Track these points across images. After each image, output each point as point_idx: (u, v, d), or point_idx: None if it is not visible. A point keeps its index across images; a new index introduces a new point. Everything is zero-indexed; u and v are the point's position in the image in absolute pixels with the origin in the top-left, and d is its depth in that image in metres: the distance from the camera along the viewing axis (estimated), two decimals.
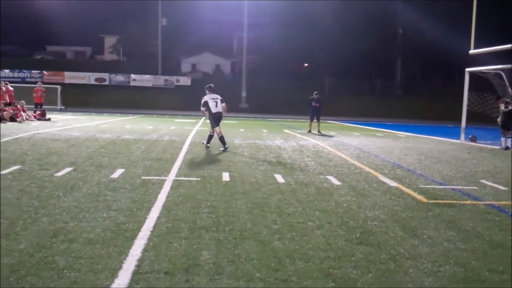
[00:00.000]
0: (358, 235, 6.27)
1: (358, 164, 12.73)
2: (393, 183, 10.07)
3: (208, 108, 15.18)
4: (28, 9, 74.40)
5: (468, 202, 8.64)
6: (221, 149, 14.86)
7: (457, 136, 23.32)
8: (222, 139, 15.16)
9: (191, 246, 5.53)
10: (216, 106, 15.21)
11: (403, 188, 9.57)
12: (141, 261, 5.00)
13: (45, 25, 78.94)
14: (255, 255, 5.34)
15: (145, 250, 5.32)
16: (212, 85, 15.95)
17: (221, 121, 15.52)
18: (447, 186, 10.04)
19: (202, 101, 15.30)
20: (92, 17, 79.10)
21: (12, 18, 75.63)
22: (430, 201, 8.51)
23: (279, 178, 10.12)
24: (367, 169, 11.90)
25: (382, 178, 10.71)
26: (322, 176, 10.60)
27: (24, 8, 74.15)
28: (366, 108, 53.97)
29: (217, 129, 15.31)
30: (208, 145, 15.54)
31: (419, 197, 8.83)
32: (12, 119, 23.52)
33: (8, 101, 25.63)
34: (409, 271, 5.07)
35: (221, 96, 15.43)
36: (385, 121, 43.55)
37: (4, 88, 25.99)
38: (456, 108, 50.01)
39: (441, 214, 7.60)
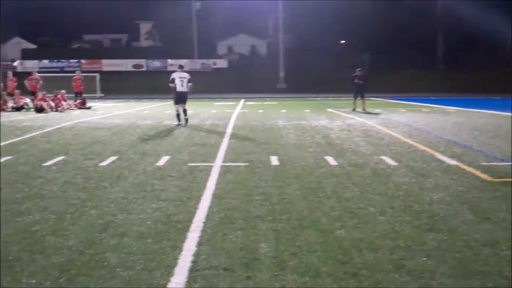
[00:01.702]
0: (425, 220, 5.78)
1: (411, 142, 12.13)
2: (452, 161, 9.48)
3: (174, 86, 16.39)
4: None
5: None
6: (174, 123, 16.44)
7: (508, 109, 22.34)
8: (178, 116, 16.60)
9: (248, 238, 5.14)
10: (182, 85, 16.39)
11: (464, 167, 8.99)
12: (196, 256, 4.65)
13: (81, 15, 79.65)
14: (318, 246, 4.93)
15: (200, 244, 4.97)
16: (183, 65, 17.85)
17: (184, 100, 16.62)
18: (510, 163, 9.39)
19: (171, 77, 16.56)
20: (127, 4, 79.25)
21: (48, 9, 76.51)
22: (496, 180, 7.92)
23: (331, 160, 9.64)
24: (422, 147, 11.31)
25: (440, 156, 10.12)
26: (375, 157, 10.08)
27: None
28: (408, 83, 52.74)
29: (175, 106, 16.73)
30: (179, 123, 16.50)
31: (483, 175, 8.24)
32: (39, 110, 23.40)
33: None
34: (489, 260, 4.58)
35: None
36: (429, 95, 42.39)
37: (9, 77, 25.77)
38: (501, 80, 48.71)
39: (511, 193, 7.03)
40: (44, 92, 25.12)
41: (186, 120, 16.60)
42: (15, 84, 26.08)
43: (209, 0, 66.95)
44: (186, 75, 16.52)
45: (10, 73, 27.11)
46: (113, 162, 9.51)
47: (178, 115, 16.62)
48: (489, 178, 8.02)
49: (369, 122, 17.68)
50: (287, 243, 5.01)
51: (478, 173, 8.44)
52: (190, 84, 16.51)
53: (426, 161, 9.55)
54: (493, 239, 5.15)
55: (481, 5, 52.55)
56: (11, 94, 25.75)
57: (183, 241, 5.03)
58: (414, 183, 7.69)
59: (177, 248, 4.84)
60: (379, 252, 4.79)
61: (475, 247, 4.93)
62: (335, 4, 58.69)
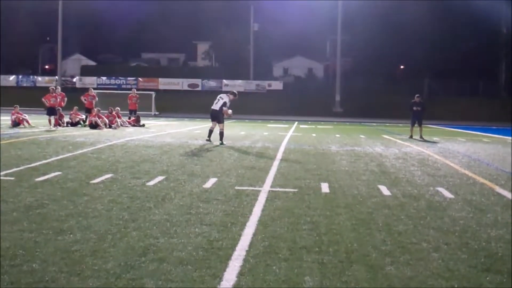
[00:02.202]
0: (483, 260, 5.37)
1: (470, 174, 11.57)
2: None
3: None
4: (123, 18, 77.12)
5: None
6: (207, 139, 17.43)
7: None
8: (210, 132, 17.58)
9: (291, 270, 4.88)
10: (215, 104, 17.34)
11: None
12: (237, 287, 4.42)
13: (140, 33, 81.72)
14: (365, 283, 4.62)
15: (240, 274, 4.74)
16: (235, 92, 18.29)
17: (216, 119, 17.40)
18: None
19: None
20: (185, 24, 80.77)
21: (109, 27, 78.84)
22: None
23: (384, 190, 9.25)
24: (481, 180, 10.76)
25: (500, 190, 9.58)
26: (431, 188, 9.62)
27: (120, 17, 76.90)
28: (468, 111, 51.35)
29: (212, 124, 17.63)
30: (208, 139, 17.50)
31: None
32: (93, 126, 23.69)
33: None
34: None
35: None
36: (489, 125, 41.04)
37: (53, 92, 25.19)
38: None
39: None
40: (98, 108, 25.60)
41: (221, 143, 16.97)
42: (65, 99, 26.10)
43: (266, 21, 67.38)
44: (225, 97, 17.42)
45: (56, 89, 26.79)
46: (160, 182, 9.42)
47: (210, 131, 17.56)
48: None
49: (426, 150, 17.09)
50: (333, 278, 4.72)
51: None
52: (224, 107, 17.15)
53: (485, 195, 9.04)
54: None
55: None
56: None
57: (224, 270, 4.82)
58: (472, 218, 7.24)
59: (217, 277, 4.63)
60: None
61: None
62: (395, 27, 57.93)
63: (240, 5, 67.02)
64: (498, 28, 61.64)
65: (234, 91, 17.95)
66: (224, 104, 17.16)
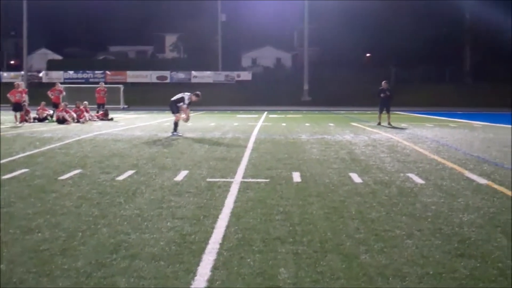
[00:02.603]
0: (456, 245, 5.40)
1: (439, 159, 11.69)
2: (482, 180, 9.05)
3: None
4: (89, 11, 76.00)
5: None
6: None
7: None
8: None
9: (266, 262, 4.83)
10: (175, 97, 17.61)
11: (495, 186, 8.55)
12: (211, 282, 4.36)
13: (107, 26, 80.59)
14: (341, 272, 4.59)
15: (215, 268, 4.66)
16: (199, 93, 17.98)
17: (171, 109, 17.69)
18: None
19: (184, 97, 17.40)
20: (153, 17, 80.00)
21: (75, 20, 77.61)
22: None
23: (355, 178, 9.27)
24: (450, 165, 10.88)
25: (469, 174, 9.69)
26: (402, 174, 9.68)
27: (86, 10, 75.78)
28: (434, 97, 52.10)
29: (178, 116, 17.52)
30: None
31: None
32: (60, 121, 23.32)
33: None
34: None
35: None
36: (456, 110, 41.71)
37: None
38: None
39: None
40: (65, 103, 25.15)
41: (172, 134, 17.39)
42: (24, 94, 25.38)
43: (234, 11, 67.08)
44: (186, 95, 17.40)
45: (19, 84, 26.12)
46: (130, 176, 9.27)
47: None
48: None
49: (395, 137, 17.23)
50: (308, 268, 4.68)
51: (510, 193, 8.00)
52: (181, 104, 17.25)
53: (455, 180, 9.13)
54: None
55: (510, 17, 51.66)
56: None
57: (198, 265, 4.74)
58: (443, 204, 7.30)
59: (191, 273, 4.55)
60: (407, 280, 4.45)
61: (511, 276, 4.54)
62: (361, 17, 58.33)
63: None
64: (462, 14, 62.51)
65: (198, 93, 17.82)
66: (182, 100, 17.20)
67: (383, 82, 24.24)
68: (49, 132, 18.72)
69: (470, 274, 4.59)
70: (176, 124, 17.40)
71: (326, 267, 4.73)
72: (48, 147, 13.74)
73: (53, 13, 73.99)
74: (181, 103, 17.21)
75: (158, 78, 62.01)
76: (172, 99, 17.59)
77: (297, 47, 74.16)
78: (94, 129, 20.31)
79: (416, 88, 55.26)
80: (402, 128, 21.49)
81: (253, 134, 18.26)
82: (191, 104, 17.56)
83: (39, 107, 25.95)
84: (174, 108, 17.34)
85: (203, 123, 24.27)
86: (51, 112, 25.98)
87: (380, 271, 4.64)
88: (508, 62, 62.85)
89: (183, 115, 17.40)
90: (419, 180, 9.06)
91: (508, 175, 9.69)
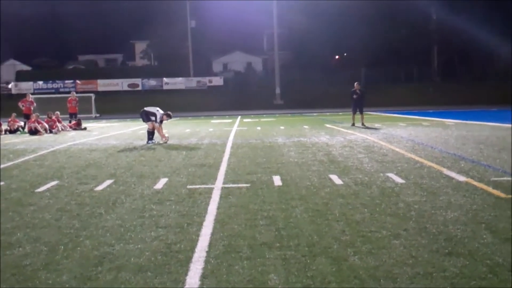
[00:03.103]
0: (443, 244, 5.41)
1: (417, 158, 11.77)
2: (461, 178, 9.12)
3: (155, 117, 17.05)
4: (57, 20, 75.05)
5: None
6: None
7: (508, 120, 22.06)
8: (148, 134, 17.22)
9: (255, 269, 4.76)
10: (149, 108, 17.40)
11: (475, 183, 8.62)
12: None
13: (75, 35, 79.68)
14: (332, 276, 4.55)
15: (203, 277, 4.58)
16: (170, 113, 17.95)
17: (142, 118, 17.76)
18: None
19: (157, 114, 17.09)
20: (121, 24, 79.43)
21: (43, 30, 76.57)
22: (510, 196, 7.55)
23: (336, 179, 9.26)
24: (428, 163, 10.95)
25: (447, 172, 9.77)
26: (381, 174, 9.71)
27: (54, 20, 74.81)
28: (405, 96, 52.65)
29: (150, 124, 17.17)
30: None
31: (496, 192, 7.88)
32: (33, 132, 22.94)
33: None
34: None
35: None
36: (427, 108, 42.22)
37: None
38: (499, 91, 48.63)
39: None
40: (37, 114, 24.73)
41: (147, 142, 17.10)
42: None
43: (203, 18, 66.99)
44: (158, 113, 17.09)
45: None
46: (108, 186, 9.10)
47: (148, 133, 17.29)
48: (502, 195, 7.67)
49: (370, 137, 17.33)
50: (298, 273, 4.63)
51: (490, 189, 8.08)
52: (152, 121, 16.98)
53: (435, 178, 9.19)
54: None
55: (476, 17, 52.66)
56: None
57: (186, 274, 4.65)
58: (426, 202, 7.33)
59: (179, 283, 4.47)
60: (398, 281, 4.43)
61: (500, 273, 4.57)
62: (330, 20, 58.81)
63: (176, 3, 66.30)
64: (429, 14, 63.47)
65: (169, 113, 17.72)
66: (154, 115, 16.93)
67: (355, 84, 24.39)
68: (22, 143, 18.35)
69: (460, 272, 4.59)
70: (149, 133, 17.12)
71: (316, 271, 4.68)
72: (22, 159, 13.45)
73: (20, 23, 72.92)
74: (153, 118, 16.93)
75: (129, 85, 61.47)
76: (145, 109, 17.39)
77: (267, 51, 74.37)
78: (68, 139, 19.96)
79: (386, 88, 55.83)
80: (376, 128, 21.63)
81: (229, 139, 18.18)
82: (162, 123, 17.30)
83: (9, 119, 25.46)
84: (145, 117, 17.15)
85: (178, 130, 24.08)
86: (22, 123, 25.53)
87: (371, 273, 4.62)
88: (474, 60, 64.12)
89: (163, 138, 17.06)
90: (399, 180, 9.09)
91: (484, 171, 9.79)
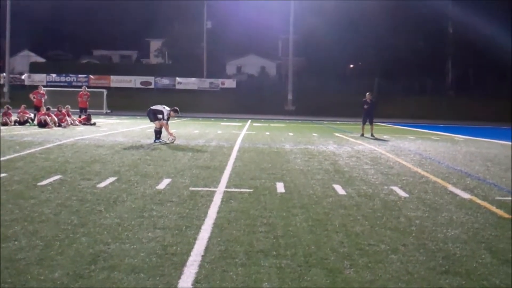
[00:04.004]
0: (441, 261, 5.35)
1: (423, 173, 11.69)
2: (465, 195, 9.04)
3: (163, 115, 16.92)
4: (74, 14, 75.46)
5: None
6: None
7: None
8: (155, 133, 17.20)
9: (249, 276, 4.73)
10: (155, 107, 17.29)
11: (478, 201, 8.55)
12: None
13: (91, 30, 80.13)
14: None
15: (196, 281, 4.55)
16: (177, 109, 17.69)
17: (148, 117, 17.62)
18: None
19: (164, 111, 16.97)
20: (138, 21, 79.78)
21: (59, 23, 77.05)
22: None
23: (339, 189, 9.21)
24: (434, 178, 10.87)
25: (452, 188, 9.69)
26: (386, 187, 9.64)
27: (71, 13, 75.22)
28: (417, 109, 52.42)
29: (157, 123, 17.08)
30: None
31: (499, 211, 7.81)
32: (42, 125, 23.02)
33: None
34: None
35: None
36: (438, 122, 42.03)
37: None
38: (511, 109, 48.28)
39: None
40: (48, 107, 24.83)
41: (154, 141, 17.03)
42: None
43: (220, 19, 67.14)
44: (165, 110, 16.96)
45: None
46: (111, 183, 9.10)
47: (155, 132, 17.25)
48: (505, 215, 7.60)
49: (378, 149, 17.25)
50: (292, 283, 4.60)
51: (493, 208, 8.00)
52: (160, 119, 16.85)
53: (439, 194, 9.12)
54: None
55: (493, 32, 52.36)
56: None
57: (179, 278, 4.62)
58: (427, 218, 7.26)
59: (172, 286, 4.43)
60: None
61: None
62: (346, 28, 58.74)
63: (193, 3, 66.56)
64: (445, 28, 63.24)
65: (176, 108, 17.49)
66: (161, 113, 16.83)
67: (367, 94, 24.27)
68: (29, 136, 18.43)
69: None
70: (157, 132, 17.09)
71: (310, 282, 4.64)
72: (28, 151, 13.49)
73: (37, 15, 73.40)
74: (160, 116, 16.83)
75: (142, 83, 61.72)
76: (152, 107, 17.35)
77: (281, 56, 74.39)
78: (76, 134, 20.04)
79: (398, 100, 55.62)
80: (384, 140, 21.54)
81: (237, 142, 18.17)
82: (169, 119, 17.22)
83: (19, 110, 25.60)
84: (152, 116, 17.07)
85: (187, 130, 24.11)
86: (32, 115, 25.64)
87: (365, 287, 4.57)
88: (490, 75, 63.73)
89: (171, 137, 16.98)
90: (403, 193, 9.03)
91: (489, 189, 9.71)
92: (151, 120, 17.31)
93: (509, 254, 5.66)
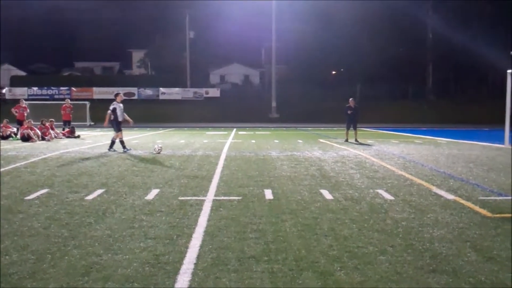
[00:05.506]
0: (428, 261, 5.48)
1: (407, 175, 11.85)
2: (450, 196, 9.21)
3: (115, 116, 17.43)
4: (55, 26, 75.11)
5: None
6: (124, 150, 17.36)
7: (499, 140, 22.19)
8: (122, 143, 17.74)
9: (242, 281, 4.81)
10: (121, 115, 17.66)
11: (462, 201, 8.71)
12: None
13: (73, 42, 79.80)
14: None
15: None
16: (121, 93, 18.58)
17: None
18: (508, 197, 9.15)
19: (112, 107, 17.47)
20: (120, 32, 79.65)
21: (41, 36, 76.65)
22: (496, 216, 7.65)
23: (326, 194, 9.33)
24: (418, 181, 11.04)
25: (436, 190, 9.85)
26: (371, 190, 9.78)
27: (52, 26, 74.86)
28: (399, 113, 52.88)
29: (120, 134, 17.76)
30: (113, 149, 17.62)
31: (482, 211, 7.96)
32: (25, 139, 22.91)
33: None
34: None
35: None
36: (420, 126, 42.39)
37: None
38: (491, 111, 48.87)
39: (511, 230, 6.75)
40: (30, 120, 24.70)
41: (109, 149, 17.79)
42: None
43: (202, 29, 67.25)
44: (112, 104, 17.60)
45: None
46: (99, 195, 9.13)
47: (123, 142, 17.87)
48: (488, 214, 7.76)
49: (363, 153, 17.41)
50: (285, 287, 4.67)
51: (477, 208, 8.17)
52: (124, 114, 17.82)
53: (423, 196, 9.27)
54: (500, 281, 4.90)
55: (473, 37, 53.11)
56: None
57: (173, 286, 4.69)
58: (413, 219, 7.39)
59: None
60: None
61: None
62: (328, 35, 59.17)
63: (175, 13, 66.60)
64: (425, 33, 63.96)
65: (116, 92, 18.28)
66: (113, 110, 17.38)
67: (350, 100, 24.46)
68: (13, 150, 18.32)
69: None
70: (118, 142, 17.69)
71: (302, 285, 4.73)
72: (13, 165, 13.44)
73: (18, 28, 72.96)
74: (117, 113, 17.33)
75: (125, 94, 61.04)
76: (122, 119, 17.70)
77: (264, 64, 74.67)
78: (60, 147, 19.96)
79: (380, 105, 56.05)
80: (369, 145, 21.73)
81: (224, 151, 18.23)
82: (120, 109, 17.57)
83: (2, 125, 25.41)
84: (114, 124, 17.58)
85: (172, 140, 24.11)
86: (15, 129, 25.47)
87: None
88: (469, 79, 64.56)
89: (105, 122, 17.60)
90: (389, 196, 9.17)
91: (473, 190, 9.88)
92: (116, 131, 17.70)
93: (493, 252, 5.80)
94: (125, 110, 18.03)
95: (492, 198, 9.10)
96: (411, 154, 17.25)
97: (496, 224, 7.10)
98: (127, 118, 17.87)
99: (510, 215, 7.72)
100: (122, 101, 17.88)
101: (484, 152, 18.31)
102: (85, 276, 4.90)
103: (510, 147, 20.22)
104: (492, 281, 4.88)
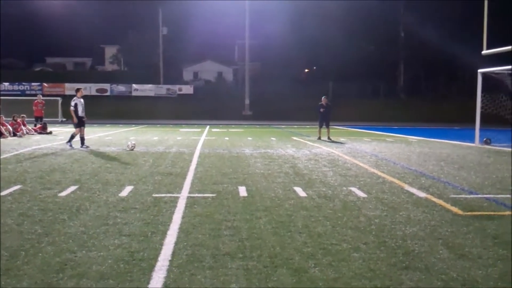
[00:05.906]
0: (401, 258, 5.57)
1: (379, 173, 12.01)
2: (421, 194, 9.37)
3: (76, 111, 17.57)
4: (27, 21, 73.93)
5: (507, 213, 7.93)
6: (82, 147, 17.42)
7: (469, 139, 22.59)
8: (83, 139, 17.81)
9: (217, 278, 4.84)
10: (83, 111, 17.79)
11: (434, 199, 8.87)
12: None
13: (44, 37, 78.62)
14: (291, 287, 4.65)
15: (165, 286, 4.63)
16: (82, 88, 18.62)
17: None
18: (478, 195, 9.35)
19: (73, 103, 17.56)
20: (92, 28, 78.67)
21: (12, 30, 75.31)
22: (467, 213, 7.81)
23: (300, 192, 9.41)
24: (390, 178, 11.20)
25: (408, 188, 10.01)
26: (344, 188, 9.90)
27: (23, 20, 73.66)
28: (370, 112, 53.40)
29: (79, 130, 17.84)
30: (71, 144, 17.72)
31: (454, 208, 8.13)
32: None
33: None
34: None
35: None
36: (391, 124, 42.92)
37: None
38: (462, 110, 49.75)
39: (483, 228, 6.91)
40: (1, 116, 24.29)
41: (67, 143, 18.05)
42: None
43: (175, 25, 66.87)
44: (73, 100, 17.69)
45: None
46: (73, 192, 9.06)
47: (83, 138, 17.91)
48: (460, 212, 7.91)
49: (335, 151, 17.58)
50: (259, 283, 4.72)
51: (448, 206, 8.33)
52: (80, 113, 17.82)
53: (396, 193, 9.41)
54: (472, 278, 4.99)
55: (443, 35, 53.83)
56: None
57: (148, 283, 4.70)
58: (386, 217, 7.51)
59: None
60: None
61: (454, 287, 4.73)
62: (300, 33, 59.43)
63: (148, 9, 66.09)
64: (397, 32, 64.71)
65: (78, 87, 18.49)
66: (75, 106, 17.51)
67: (322, 98, 24.61)
68: None
69: (416, 286, 4.75)
70: (71, 137, 17.90)
71: (277, 282, 4.78)
72: None
73: None
74: (78, 109, 17.45)
75: (97, 90, 60.86)
76: (82, 114, 17.85)
77: (238, 62, 74.63)
78: (32, 143, 19.71)
79: (352, 103, 56.52)
80: (341, 143, 21.92)
81: (197, 148, 18.20)
82: (81, 105, 17.65)
83: None
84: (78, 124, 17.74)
85: (146, 137, 23.98)
86: None
87: (330, 285, 4.73)
88: (439, 77, 65.51)
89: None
90: (362, 194, 9.29)
91: (444, 188, 10.07)
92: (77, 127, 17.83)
93: (465, 249, 5.93)
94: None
95: (463, 196, 9.28)
96: (383, 152, 17.46)
97: (468, 222, 7.25)
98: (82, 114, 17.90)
99: (481, 212, 7.90)
100: (83, 97, 18.01)
101: (455, 150, 18.64)
102: (60, 273, 4.88)
103: (480, 146, 20.63)
104: (464, 278, 4.98)
